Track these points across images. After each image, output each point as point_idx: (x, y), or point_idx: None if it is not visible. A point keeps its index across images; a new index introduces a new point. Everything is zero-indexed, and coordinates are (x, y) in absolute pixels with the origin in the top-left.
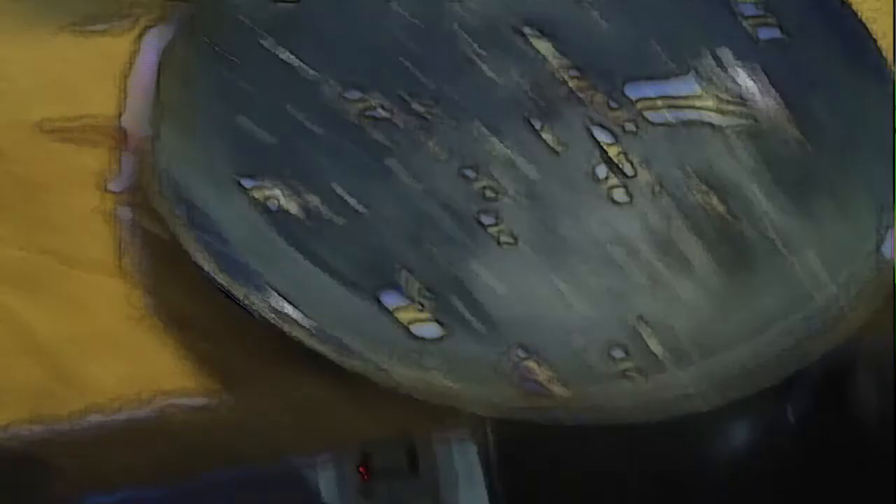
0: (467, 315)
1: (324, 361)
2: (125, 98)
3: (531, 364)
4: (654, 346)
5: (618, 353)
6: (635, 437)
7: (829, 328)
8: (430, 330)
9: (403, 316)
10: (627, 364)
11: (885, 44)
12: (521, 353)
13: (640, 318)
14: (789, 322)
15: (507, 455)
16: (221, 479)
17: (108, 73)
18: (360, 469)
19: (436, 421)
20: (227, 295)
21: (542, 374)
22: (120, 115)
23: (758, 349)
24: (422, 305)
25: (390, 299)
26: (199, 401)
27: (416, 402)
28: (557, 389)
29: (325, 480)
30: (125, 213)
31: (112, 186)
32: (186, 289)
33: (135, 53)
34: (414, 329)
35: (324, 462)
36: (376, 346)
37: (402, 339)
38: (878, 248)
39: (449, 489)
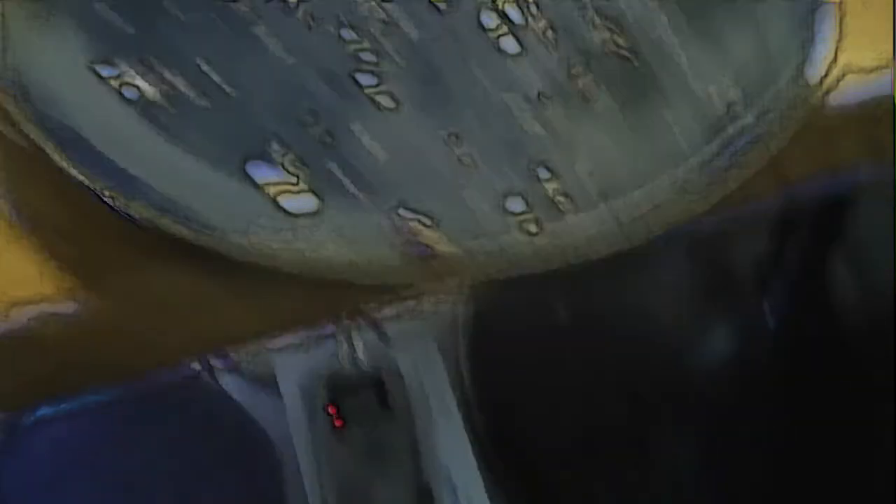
0: (345, 182)
1: (199, 251)
2: None
3: (416, 225)
4: (553, 192)
5: (514, 206)
6: (612, 356)
7: (745, 158)
8: (305, 202)
9: (275, 190)
10: (526, 215)
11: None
12: (404, 215)
13: (538, 165)
14: (704, 155)
15: (483, 384)
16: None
17: None
18: (331, 411)
19: (332, 308)
20: (88, 191)
21: (428, 234)
22: None
23: (669, 185)
24: (296, 178)
25: (261, 174)
26: (63, 307)
27: (308, 289)
28: (446, 248)
29: (295, 425)
30: None
31: None
32: (45, 189)
33: None
34: (287, 203)
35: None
36: (246, 224)
37: (275, 214)
38: (797, 73)
39: (425, 424)
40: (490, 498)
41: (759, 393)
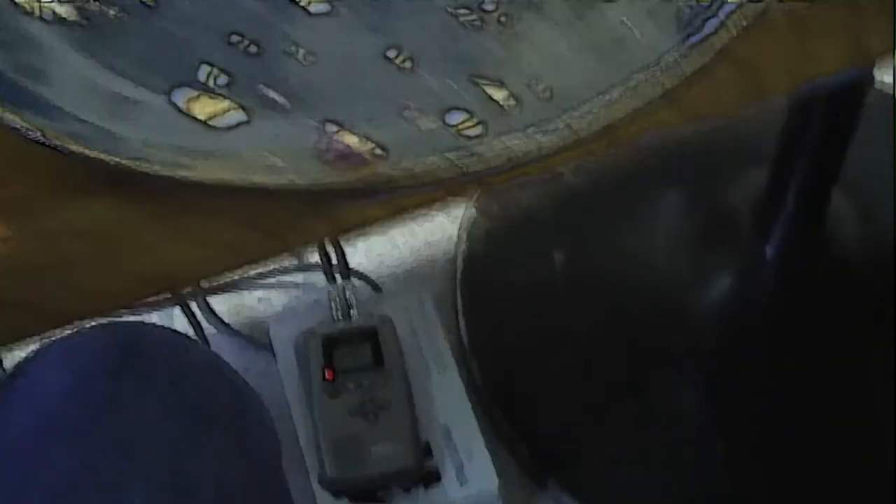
0: (271, 94)
1: (127, 181)
2: None
3: (347, 136)
4: (499, 97)
5: (455, 117)
6: (609, 302)
7: (705, 55)
8: (232, 117)
9: (200, 107)
10: (468, 124)
11: None
12: (334, 126)
13: (481, 74)
14: (662, 53)
15: (480, 334)
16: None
17: None
18: (326, 371)
19: (271, 238)
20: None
21: (359, 145)
22: None
23: (626, 90)
24: (222, 93)
25: (185, 92)
26: None
27: (242, 221)
28: (377, 159)
29: (290, 384)
30: None
31: None
32: None
33: None
34: (214, 120)
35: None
36: (173, 145)
37: (202, 132)
38: None
39: (420, 377)
40: (488, 448)
41: (760, 331)
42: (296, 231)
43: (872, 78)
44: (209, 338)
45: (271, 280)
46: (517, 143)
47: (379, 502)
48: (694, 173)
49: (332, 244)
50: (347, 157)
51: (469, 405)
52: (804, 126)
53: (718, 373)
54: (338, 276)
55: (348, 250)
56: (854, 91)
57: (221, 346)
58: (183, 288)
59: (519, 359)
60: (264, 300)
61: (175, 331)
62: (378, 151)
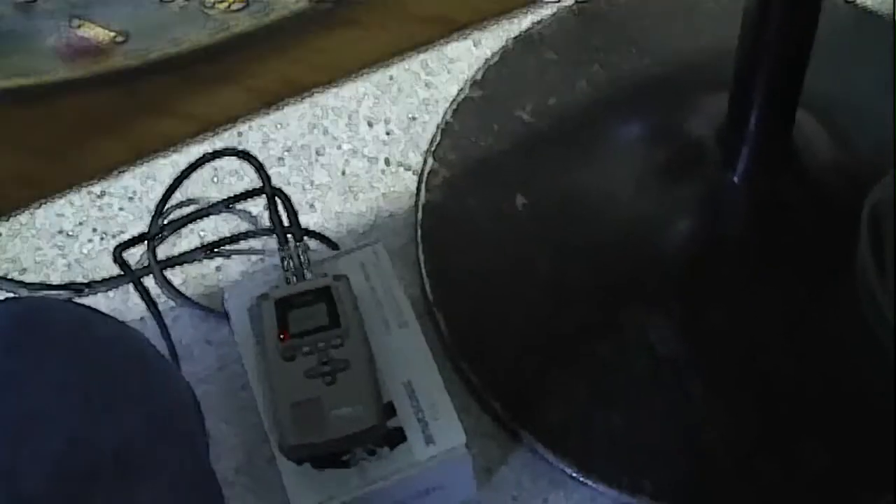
0: None
1: None
2: None
3: (86, 27)
4: None
5: None
6: (577, 245)
7: None
8: None
9: None
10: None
11: None
12: (76, 22)
13: None
14: None
15: (443, 283)
16: None
17: None
18: (281, 335)
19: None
20: None
21: (99, 34)
22: None
23: None
24: None
25: None
26: None
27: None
28: (116, 46)
29: (245, 349)
30: None
31: None
32: None
33: None
34: None
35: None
36: None
37: None
38: None
39: (381, 337)
40: (458, 404)
41: (732, 260)
42: (83, 153)
43: None
44: (167, 311)
45: (227, 248)
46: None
47: (343, 467)
48: (654, 106)
49: (283, 204)
50: (87, 50)
51: (432, 361)
52: (760, 42)
53: (692, 307)
54: (290, 237)
55: (306, 210)
56: None
57: (181, 318)
58: None
59: (486, 308)
60: (223, 268)
61: (77, 303)
62: (119, 39)
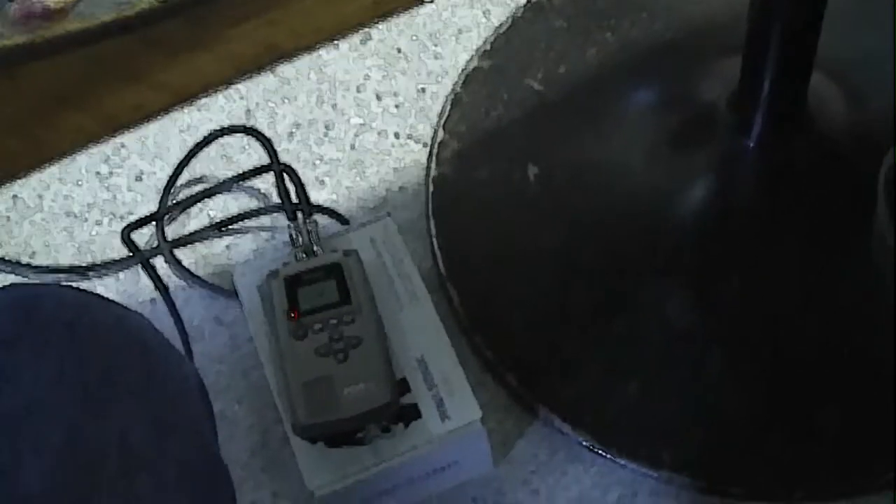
0: None
1: None
2: None
3: None
4: None
5: None
6: (590, 216)
7: None
8: None
9: None
10: None
11: None
12: None
13: None
14: None
15: (455, 256)
16: None
17: None
18: (291, 313)
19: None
20: None
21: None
22: None
23: None
24: None
25: None
26: None
27: None
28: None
29: (256, 328)
30: None
31: None
32: None
33: None
34: None
35: None
36: None
37: None
38: None
39: (393, 313)
40: (475, 380)
41: (748, 228)
42: (51, 129)
43: None
44: (177, 292)
45: (237, 226)
46: None
47: (358, 444)
48: (666, 72)
49: (292, 180)
50: (33, 14)
51: (446, 336)
52: (773, 2)
53: (707, 277)
54: (299, 213)
55: (316, 185)
56: None
57: (192, 298)
58: None
59: (499, 281)
60: (233, 246)
61: (77, 289)
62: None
